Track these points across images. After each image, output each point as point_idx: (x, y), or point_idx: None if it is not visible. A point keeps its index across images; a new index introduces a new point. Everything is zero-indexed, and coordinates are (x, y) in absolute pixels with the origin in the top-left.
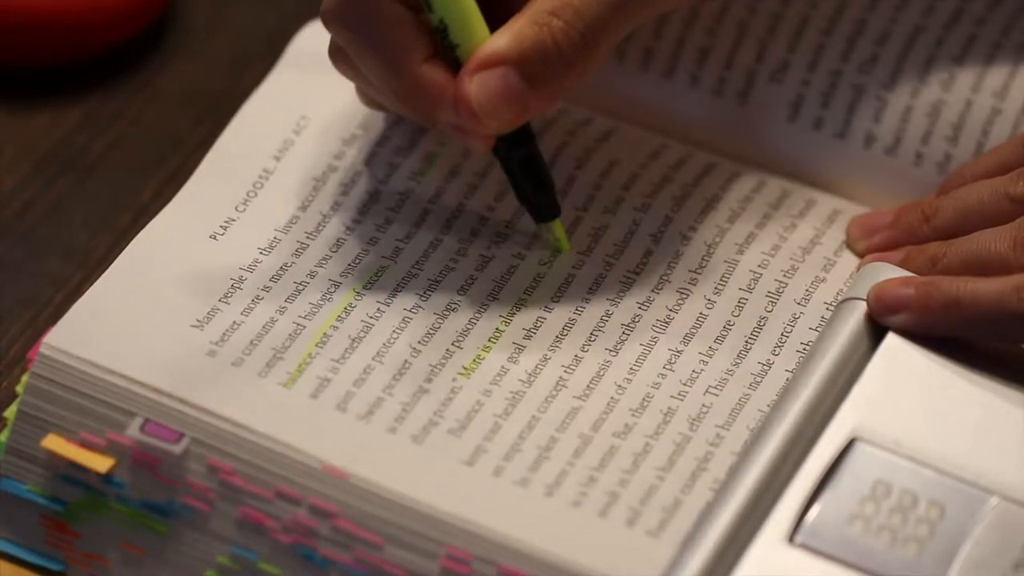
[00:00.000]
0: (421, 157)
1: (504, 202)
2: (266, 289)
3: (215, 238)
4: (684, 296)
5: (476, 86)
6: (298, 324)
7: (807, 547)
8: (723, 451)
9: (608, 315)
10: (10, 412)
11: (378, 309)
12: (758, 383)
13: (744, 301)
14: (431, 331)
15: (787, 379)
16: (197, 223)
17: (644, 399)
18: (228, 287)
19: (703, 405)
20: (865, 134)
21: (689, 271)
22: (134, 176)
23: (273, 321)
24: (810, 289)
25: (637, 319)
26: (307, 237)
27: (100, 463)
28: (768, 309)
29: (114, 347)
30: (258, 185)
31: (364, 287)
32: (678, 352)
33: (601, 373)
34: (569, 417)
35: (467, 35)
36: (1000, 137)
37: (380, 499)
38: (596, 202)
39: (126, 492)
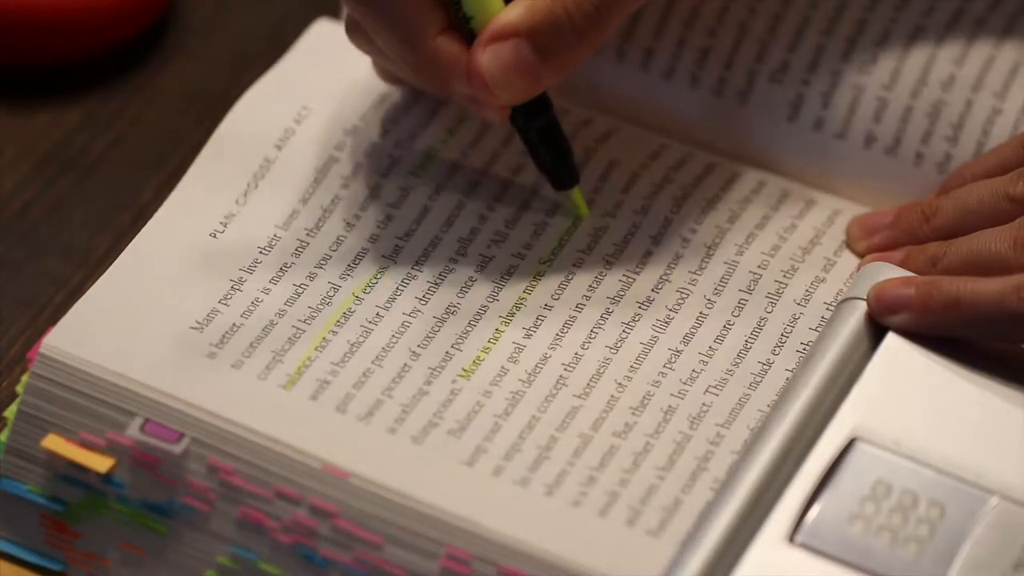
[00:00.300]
0: (422, 153)
1: (505, 202)
2: (266, 292)
3: (215, 236)
4: (684, 296)
5: (488, 58)
6: (297, 328)
7: (807, 547)
8: (723, 450)
9: (608, 314)
10: (10, 412)
11: (377, 314)
12: (758, 383)
13: (744, 302)
14: (430, 334)
15: (787, 379)
16: (198, 218)
17: (644, 398)
18: (228, 288)
19: (703, 404)
20: (865, 134)
21: (689, 271)
22: (134, 176)
23: (272, 324)
24: (810, 289)
25: (637, 318)
26: (307, 235)
27: (100, 463)
28: (768, 309)
29: (114, 347)
30: (259, 176)
31: (363, 291)
32: (678, 352)
33: (601, 372)
34: (569, 416)
35: (480, 7)
36: (1000, 137)
37: (380, 499)
38: (596, 202)
39: (126, 492)
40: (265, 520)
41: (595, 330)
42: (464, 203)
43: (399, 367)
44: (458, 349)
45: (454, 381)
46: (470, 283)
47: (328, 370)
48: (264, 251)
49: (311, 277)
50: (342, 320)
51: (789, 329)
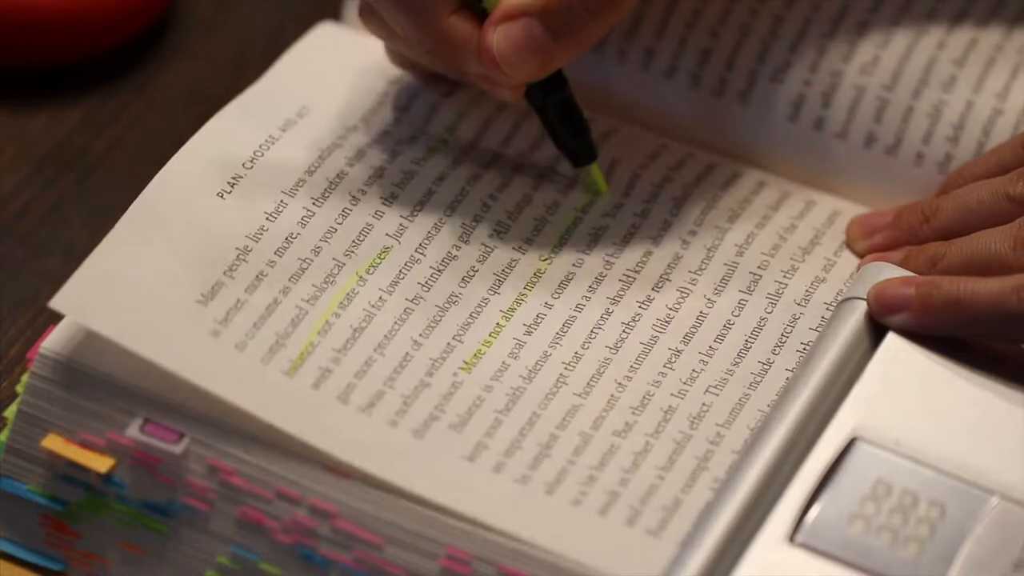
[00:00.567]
0: (424, 147)
1: (507, 193)
2: (271, 264)
3: (222, 196)
4: (684, 296)
5: (499, 37)
6: (300, 308)
7: (807, 547)
8: (723, 450)
9: (608, 313)
10: (10, 412)
11: (380, 297)
12: (758, 383)
13: (744, 302)
14: (432, 323)
15: (787, 379)
16: (204, 180)
17: (645, 397)
18: (234, 258)
19: (703, 404)
20: (866, 134)
21: (689, 271)
22: (134, 176)
23: (276, 303)
24: (810, 289)
25: (637, 318)
26: (313, 204)
27: (100, 463)
28: (768, 309)
29: (118, 321)
30: (264, 147)
31: (367, 271)
32: (678, 351)
33: (601, 371)
34: (569, 415)
35: None
36: (1001, 137)
37: (380, 499)
38: (596, 202)
39: (126, 492)
40: (265, 520)
41: (595, 330)
42: (466, 191)
43: (401, 356)
44: (459, 341)
45: (455, 374)
46: (472, 273)
47: (331, 357)
48: (271, 216)
49: (316, 251)
50: (345, 302)
51: (789, 329)
